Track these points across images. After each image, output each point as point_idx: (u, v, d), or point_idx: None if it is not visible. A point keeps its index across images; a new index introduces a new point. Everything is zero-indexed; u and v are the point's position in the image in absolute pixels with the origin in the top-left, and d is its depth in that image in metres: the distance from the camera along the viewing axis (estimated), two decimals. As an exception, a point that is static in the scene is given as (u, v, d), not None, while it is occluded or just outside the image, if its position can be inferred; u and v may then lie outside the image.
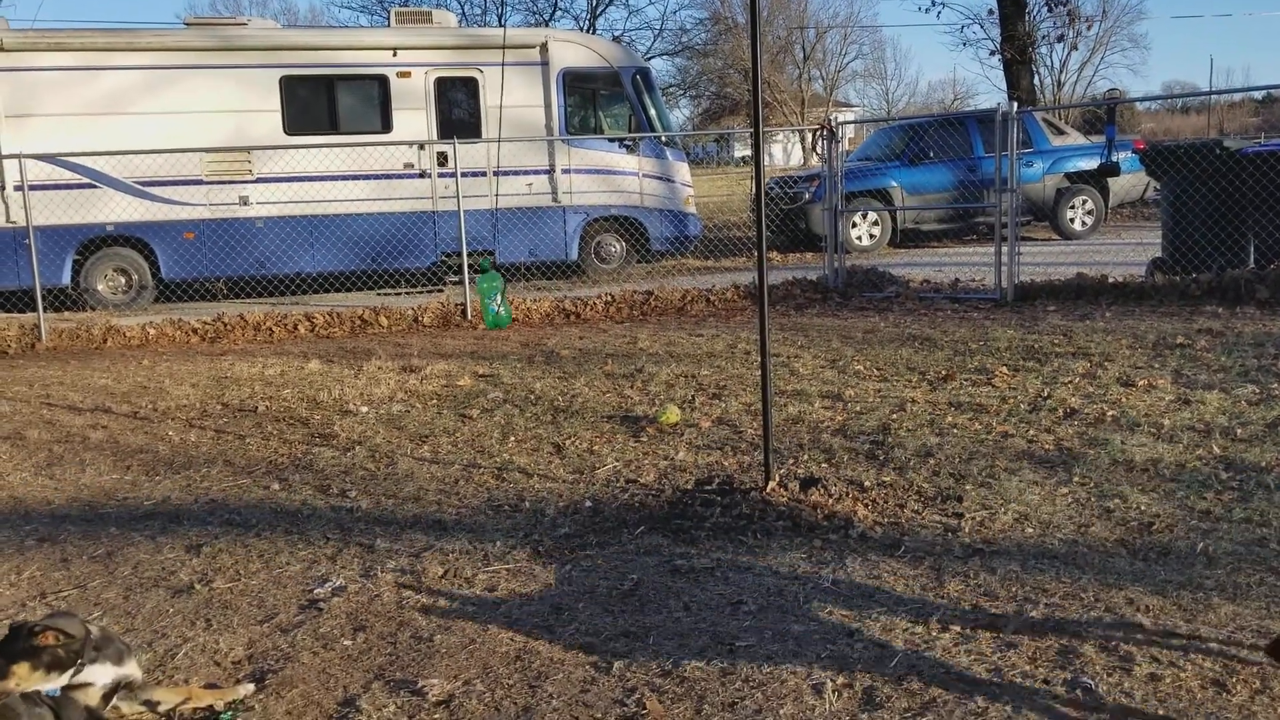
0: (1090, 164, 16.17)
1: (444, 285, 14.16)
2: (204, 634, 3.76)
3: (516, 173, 14.04)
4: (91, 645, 2.95)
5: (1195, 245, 10.04)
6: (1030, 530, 4.34)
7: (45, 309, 11.38)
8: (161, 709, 3.11)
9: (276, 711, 3.17)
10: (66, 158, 12.50)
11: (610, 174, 14.52)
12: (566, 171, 14.27)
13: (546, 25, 42.34)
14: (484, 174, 13.56)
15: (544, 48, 14.16)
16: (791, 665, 3.26)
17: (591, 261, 14.80)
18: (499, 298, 7.10)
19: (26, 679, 2.82)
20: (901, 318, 9.88)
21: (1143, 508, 4.49)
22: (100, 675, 2.97)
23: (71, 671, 2.89)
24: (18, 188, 11.68)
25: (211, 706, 3.17)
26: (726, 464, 5.50)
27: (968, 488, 4.86)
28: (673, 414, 6.42)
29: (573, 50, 14.41)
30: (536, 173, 14.23)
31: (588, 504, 5.03)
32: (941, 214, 16.72)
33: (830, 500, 4.69)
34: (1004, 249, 10.49)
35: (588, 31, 41.88)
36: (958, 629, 3.46)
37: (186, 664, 3.52)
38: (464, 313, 11.37)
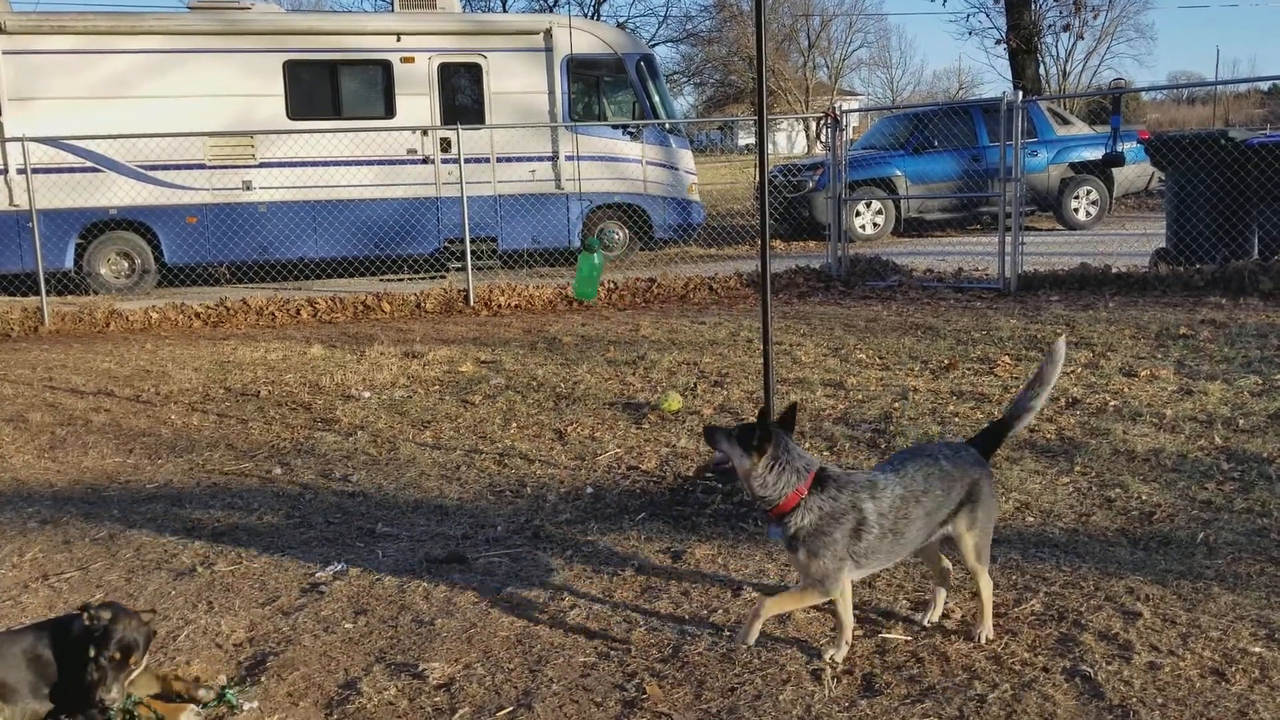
0: (1095, 154, 16.10)
1: (446, 271, 14.15)
2: (206, 616, 3.77)
3: (519, 159, 14.02)
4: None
5: (1199, 236, 10.01)
6: (1031, 519, 4.34)
7: (48, 292, 11.39)
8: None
9: (278, 693, 3.18)
10: (69, 141, 12.48)
11: (614, 161, 14.49)
12: (570, 158, 14.24)
13: (550, 11, 42.17)
14: (487, 160, 13.52)
15: (548, 34, 14.12)
16: (791, 651, 3.27)
17: (595, 249, 14.76)
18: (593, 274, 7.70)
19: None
20: (904, 307, 9.87)
21: (1144, 497, 4.50)
22: None
23: None
24: (20, 171, 11.67)
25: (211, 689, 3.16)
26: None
27: (969, 476, 4.86)
28: (675, 401, 6.43)
29: (577, 36, 14.35)
30: (539, 159, 14.20)
31: (589, 490, 5.04)
32: (945, 203, 16.67)
33: (831, 488, 4.68)
34: (1008, 239, 10.46)
35: (592, 18, 41.68)
36: (958, 616, 3.46)
37: (188, 646, 3.53)
38: (466, 299, 11.37)
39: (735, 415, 6.19)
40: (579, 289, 7.98)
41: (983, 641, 3.27)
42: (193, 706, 3.06)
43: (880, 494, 3.16)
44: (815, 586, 3.16)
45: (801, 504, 3.12)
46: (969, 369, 7.01)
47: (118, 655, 2.87)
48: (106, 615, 2.91)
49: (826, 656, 3.19)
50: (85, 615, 2.92)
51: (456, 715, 3.01)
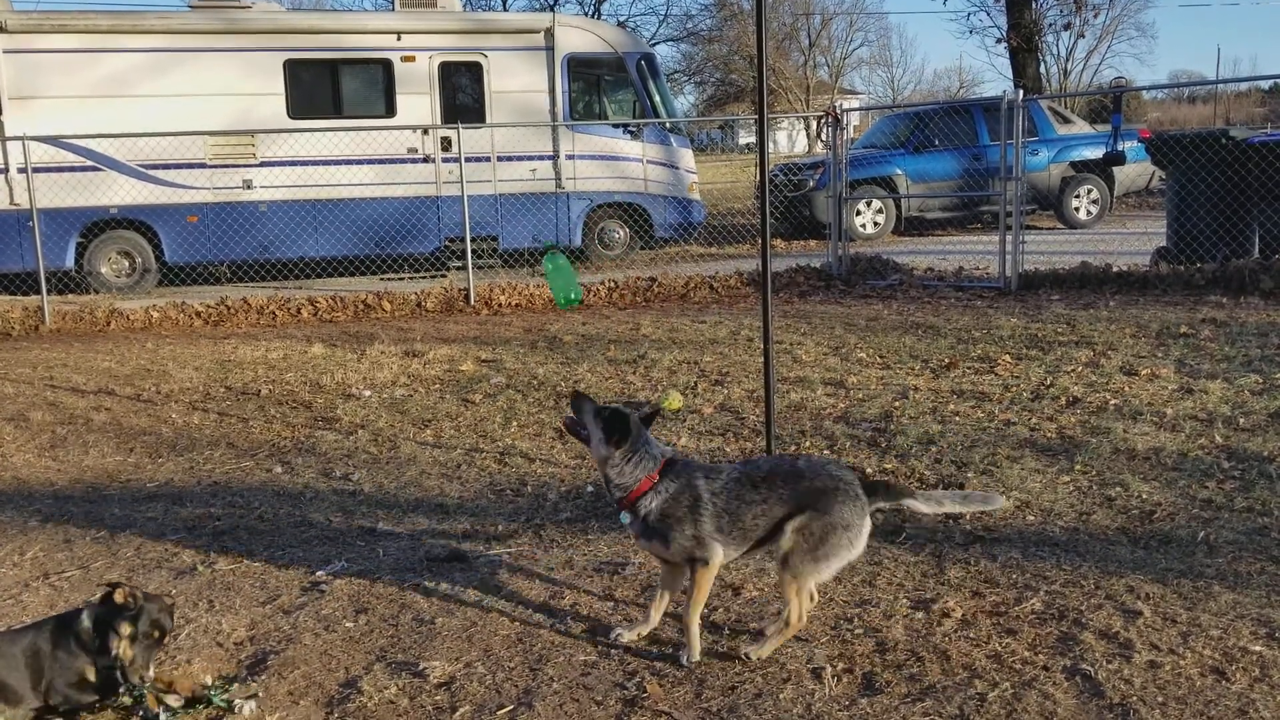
0: (1096, 153, 16.09)
1: (447, 270, 14.15)
2: (207, 615, 3.77)
3: (520, 158, 14.02)
4: None
5: (1200, 235, 10.01)
6: (1031, 518, 4.34)
7: (49, 291, 11.39)
8: None
9: (279, 692, 3.18)
10: (70, 140, 12.47)
11: (614, 160, 14.49)
12: (570, 157, 14.23)
13: (551, 10, 42.15)
14: (488, 159, 13.53)
15: (549, 32, 14.12)
16: (791, 650, 3.27)
17: (595, 248, 14.78)
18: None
19: None
20: (905, 305, 9.87)
21: (1144, 496, 4.49)
22: None
23: None
24: (21, 170, 11.67)
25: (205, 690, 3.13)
26: (729, 450, 5.50)
27: (970, 475, 4.86)
28: (675, 400, 6.42)
29: (577, 35, 14.36)
30: (540, 158, 14.20)
31: (590, 489, 5.04)
32: (946, 202, 16.67)
33: (832, 487, 4.68)
34: (1008, 237, 10.46)
35: (593, 16, 41.67)
36: (958, 615, 3.46)
37: (189, 645, 3.53)
38: (467, 298, 11.37)
39: (736, 414, 6.19)
40: (560, 299, 8.16)
41: (750, 659, 3.17)
42: (176, 695, 3.04)
43: (716, 477, 3.29)
44: (698, 563, 3.22)
45: (653, 489, 3.26)
46: (970, 368, 7.01)
47: (156, 634, 2.86)
48: (139, 594, 2.93)
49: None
50: (119, 592, 2.90)
51: (457, 714, 3.01)
